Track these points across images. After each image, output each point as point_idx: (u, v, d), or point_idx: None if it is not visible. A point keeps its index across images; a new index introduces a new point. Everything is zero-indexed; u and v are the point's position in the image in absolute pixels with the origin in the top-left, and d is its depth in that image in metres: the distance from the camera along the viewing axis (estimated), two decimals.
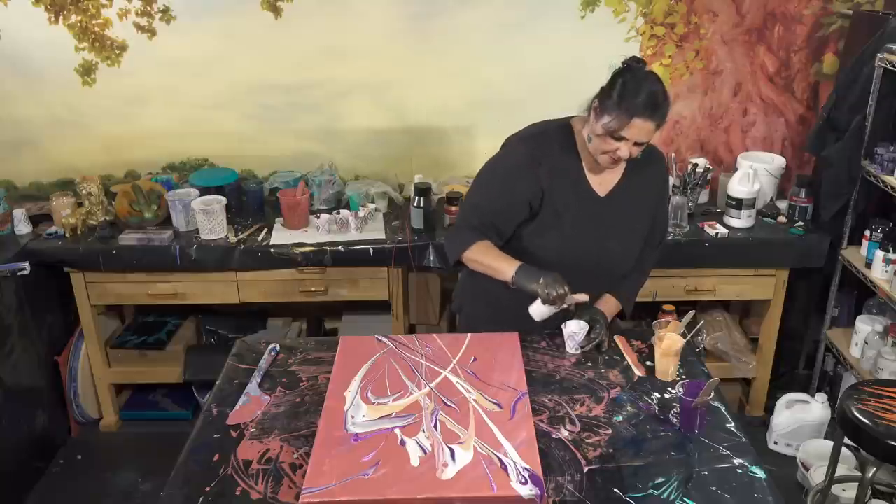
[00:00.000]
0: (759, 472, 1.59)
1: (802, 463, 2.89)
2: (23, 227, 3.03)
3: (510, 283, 1.93)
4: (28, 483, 2.92)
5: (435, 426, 1.63)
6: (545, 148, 1.99)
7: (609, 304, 2.12)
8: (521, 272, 1.92)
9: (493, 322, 2.08)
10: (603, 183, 2.03)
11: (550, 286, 1.86)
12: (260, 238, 2.97)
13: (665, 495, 1.52)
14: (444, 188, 3.19)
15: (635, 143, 1.87)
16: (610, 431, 1.70)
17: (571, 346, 2.01)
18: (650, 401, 1.82)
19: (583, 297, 1.92)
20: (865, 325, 2.98)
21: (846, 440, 2.30)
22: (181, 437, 1.75)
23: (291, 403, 1.82)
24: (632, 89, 1.81)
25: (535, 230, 2.02)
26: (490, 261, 1.98)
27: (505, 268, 1.95)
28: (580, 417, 1.75)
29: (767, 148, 3.33)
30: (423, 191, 2.94)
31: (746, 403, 3.32)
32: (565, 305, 1.90)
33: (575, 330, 1.99)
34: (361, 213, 3.00)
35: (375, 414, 1.68)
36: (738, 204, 2.97)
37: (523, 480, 1.46)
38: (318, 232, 2.98)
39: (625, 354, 2.01)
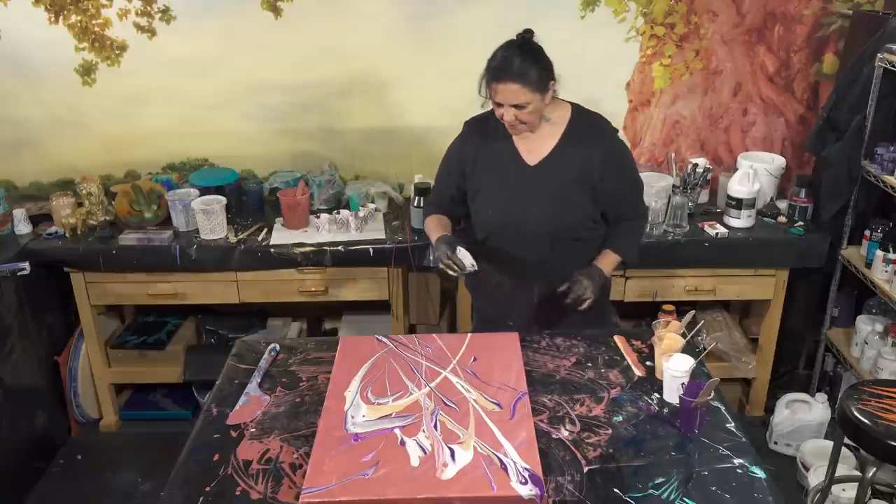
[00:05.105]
0: (759, 472, 1.59)
1: (802, 463, 2.89)
2: (23, 227, 3.04)
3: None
4: (28, 483, 2.92)
5: (435, 426, 1.63)
6: (482, 123, 2.19)
7: (605, 259, 2.19)
8: (439, 242, 2.11)
9: (491, 310, 2.32)
10: (533, 152, 2.12)
11: (439, 251, 2.07)
12: (260, 238, 2.97)
13: (665, 495, 1.52)
14: None
15: (515, 107, 1.99)
16: (610, 431, 1.70)
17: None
18: (650, 401, 1.82)
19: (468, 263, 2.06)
20: (865, 325, 2.98)
21: (846, 440, 2.30)
22: (181, 437, 1.75)
23: (291, 403, 1.82)
24: (492, 58, 2.02)
25: (470, 195, 2.22)
26: (429, 231, 2.24)
27: (433, 237, 2.18)
28: (580, 417, 1.75)
29: (767, 148, 3.33)
30: (423, 191, 2.94)
31: (746, 403, 3.32)
32: (463, 270, 2.04)
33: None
34: (361, 213, 3.00)
35: (375, 414, 1.68)
36: (738, 204, 2.97)
37: (523, 480, 1.46)
38: (318, 232, 2.98)
39: (625, 354, 2.01)
